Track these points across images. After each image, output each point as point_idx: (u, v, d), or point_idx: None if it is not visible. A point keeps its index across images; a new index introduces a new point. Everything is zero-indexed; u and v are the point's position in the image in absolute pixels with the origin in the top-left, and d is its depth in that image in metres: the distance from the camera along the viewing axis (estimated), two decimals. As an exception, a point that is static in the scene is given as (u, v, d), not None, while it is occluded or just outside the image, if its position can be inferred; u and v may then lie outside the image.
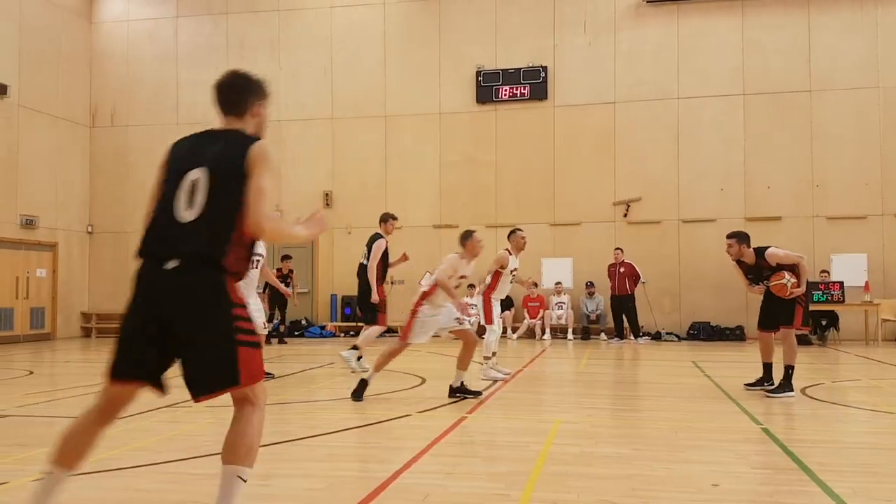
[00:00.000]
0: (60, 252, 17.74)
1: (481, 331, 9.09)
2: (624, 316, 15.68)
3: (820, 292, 14.58)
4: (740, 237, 7.85)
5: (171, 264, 2.90)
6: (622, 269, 15.63)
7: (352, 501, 3.90)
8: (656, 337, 15.89)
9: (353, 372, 9.61)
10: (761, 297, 7.98)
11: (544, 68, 16.99)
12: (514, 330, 16.23)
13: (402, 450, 5.12)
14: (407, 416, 6.51)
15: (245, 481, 3.01)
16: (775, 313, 7.79)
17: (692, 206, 16.43)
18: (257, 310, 9.34)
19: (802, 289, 7.59)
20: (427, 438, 5.51)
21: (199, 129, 3.35)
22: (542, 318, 16.29)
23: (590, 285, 16.24)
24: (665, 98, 16.64)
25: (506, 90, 17.14)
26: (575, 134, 16.95)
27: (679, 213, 16.49)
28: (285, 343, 15.58)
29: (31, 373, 10.62)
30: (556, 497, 3.97)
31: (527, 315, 16.40)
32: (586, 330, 16.29)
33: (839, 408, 7.16)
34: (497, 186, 17.15)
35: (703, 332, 15.83)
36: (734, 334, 15.69)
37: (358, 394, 7.29)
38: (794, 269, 7.62)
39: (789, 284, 7.53)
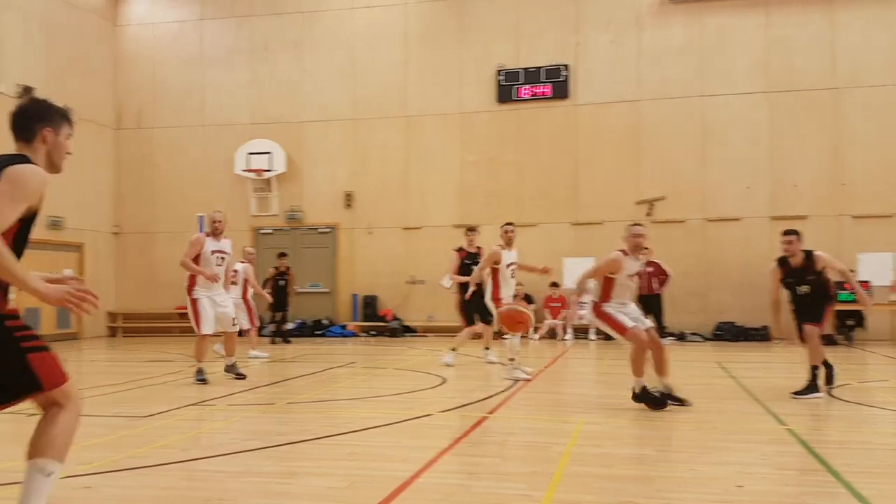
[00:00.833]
0: (87, 252, 17.98)
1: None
2: (649, 315, 15.50)
3: (846, 292, 14.35)
4: (799, 235, 7.78)
5: None
6: (649, 269, 15.47)
7: (373, 500, 3.91)
8: (680, 337, 15.76)
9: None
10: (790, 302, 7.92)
11: (566, 66, 16.92)
12: (536, 330, 16.17)
13: (423, 449, 5.12)
14: (428, 415, 6.52)
15: (49, 476, 2.99)
16: (806, 312, 7.72)
17: (717, 205, 16.27)
18: (232, 305, 9.37)
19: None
20: (449, 438, 5.52)
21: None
22: (565, 318, 16.22)
23: (612, 285, 16.11)
24: (689, 96, 16.49)
25: (527, 89, 17.10)
26: (597, 132, 16.86)
27: (704, 212, 16.35)
28: (289, 342, 15.31)
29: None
30: (579, 498, 3.96)
31: (548, 315, 16.33)
32: (609, 330, 16.15)
33: (866, 408, 7.06)
34: (518, 186, 17.10)
35: (728, 333, 15.66)
36: (759, 334, 15.52)
37: (665, 400, 6.74)
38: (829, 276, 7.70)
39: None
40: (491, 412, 6.69)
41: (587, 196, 16.81)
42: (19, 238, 2.99)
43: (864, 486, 4.07)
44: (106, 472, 4.61)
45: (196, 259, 8.73)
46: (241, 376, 9.02)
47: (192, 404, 7.40)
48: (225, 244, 9.02)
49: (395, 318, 17.08)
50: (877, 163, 15.59)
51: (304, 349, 14.09)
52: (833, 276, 7.87)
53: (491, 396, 7.49)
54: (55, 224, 16.77)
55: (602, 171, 16.76)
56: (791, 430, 5.80)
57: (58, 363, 3.09)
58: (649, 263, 15.53)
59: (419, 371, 9.86)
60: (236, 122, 18.24)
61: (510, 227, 9.58)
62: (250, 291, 12.44)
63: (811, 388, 7.46)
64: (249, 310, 12.26)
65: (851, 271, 7.81)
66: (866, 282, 14.52)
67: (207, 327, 8.70)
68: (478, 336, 11.07)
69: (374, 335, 17.10)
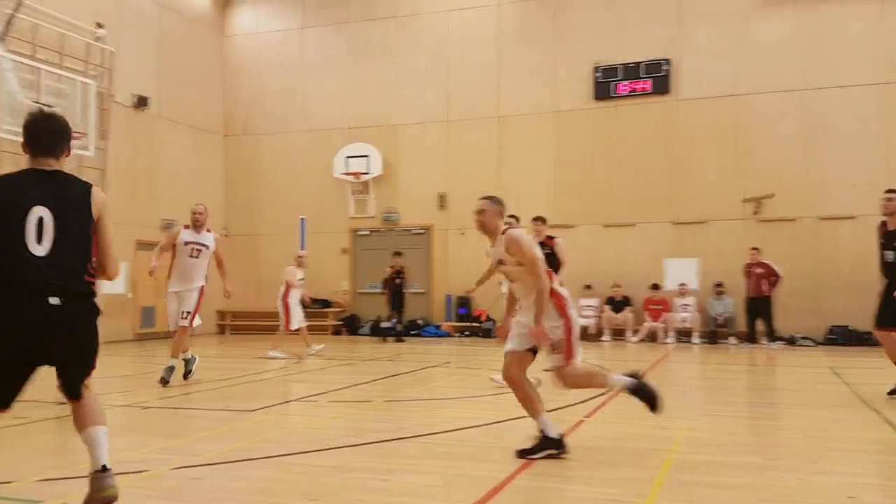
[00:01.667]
0: (197, 254, 18.86)
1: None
2: (758, 319, 14.86)
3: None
4: None
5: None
6: (759, 270, 14.84)
7: (468, 500, 3.93)
8: (790, 342, 15.03)
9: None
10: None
11: (667, 61, 16.47)
12: (635, 332, 15.81)
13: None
14: (523, 417, 6.48)
15: (106, 434, 3.53)
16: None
17: (829, 203, 15.43)
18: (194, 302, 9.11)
19: None
20: (544, 440, 5.45)
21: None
22: (665, 321, 15.76)
23: (718, 286, 15.57)
24: (797, 89, 15.72)
25: (625, 85, 16.75)
26: (699, 128, 16.31)
27: (815, 210, 15.54)
28: (402, 342, 15.59)
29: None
30: (679, 505, 3.84)
31: (648, 318, 15.90)
32: (713, 333, 15.60)
33: None
34: (615, 184, 16.76)
35: (841, 337, 14.83)
36: (875, 339, 14.59)
37: None
38: None
39: None
40: (588, 416, 6.59)
41: (689, 194, 16.29)
42: None
43: None
44: (214, 463, 4.83)
45: (173, 250, 8.88)
46: (164, 382, 8.43)
47: (295, 400, 7.65)
48: (206, 237, 8.94)
49: (489, 319, 17.08)
50: None
51: (400, 348, 14.35)
52: None
53: (588, 399, 7.37)
54: (169, 227, 17.68)
55: (704, 167, 16.21)
56: (913, 441, 5.45)
57: None
58: (759, 264, 14.88)
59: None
60: (335, 127, 18.74)
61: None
62: (293, 293, 12.60)
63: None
64: (287, 311, 12.49)
65: None
66: None
67: (172, 324, 8.90)
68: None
69: (467, 335, 17.17)
